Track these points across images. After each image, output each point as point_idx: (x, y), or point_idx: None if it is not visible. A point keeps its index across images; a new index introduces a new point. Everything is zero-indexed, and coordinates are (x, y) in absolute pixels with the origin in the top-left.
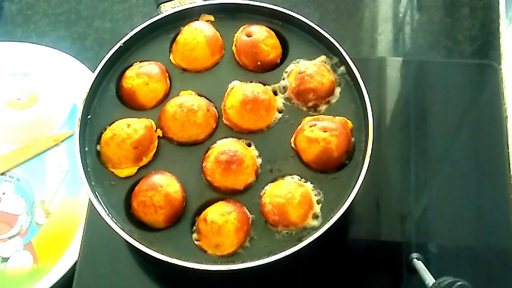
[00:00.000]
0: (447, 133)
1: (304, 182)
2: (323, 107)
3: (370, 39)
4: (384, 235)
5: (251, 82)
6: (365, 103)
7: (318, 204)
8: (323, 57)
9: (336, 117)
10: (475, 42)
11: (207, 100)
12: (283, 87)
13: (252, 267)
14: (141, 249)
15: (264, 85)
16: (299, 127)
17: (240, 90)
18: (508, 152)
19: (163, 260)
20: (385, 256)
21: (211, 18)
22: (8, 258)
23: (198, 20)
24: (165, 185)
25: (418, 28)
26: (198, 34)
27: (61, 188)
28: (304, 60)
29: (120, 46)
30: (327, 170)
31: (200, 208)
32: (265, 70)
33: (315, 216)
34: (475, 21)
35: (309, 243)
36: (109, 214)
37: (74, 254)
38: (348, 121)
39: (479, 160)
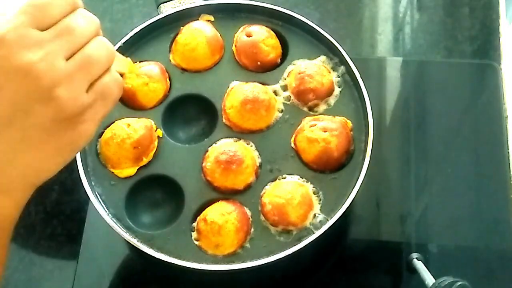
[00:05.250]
0: (447, 133)
1: (304, 182)
2: (323, 107)
3: (370, 39)
4: (384, 235)
5: (252, 82)
6: (365, 103)
7: (318, 204)
8: (323, 57)
9: (336, 117)
10: (475, 42)
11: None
12: (283, 87)
13: (252, 267)
14: (141, 249)
15: (264, 85)
16: (299, 127)
17: (240, 90)
18: (508, 152)
19: (163, 260)
20: (385, 256)
21: (211, 18)
22: None
23: (198, 20)
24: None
25: (418, 28)
26: (198, 34)
27: None
28: (304, 60)
29: (120, 46)
30: (327, 170)
31: (200, 208)
32: (265, 70)
33: (315, 216)
34: (475, 21)
35: (309, 243)
36: (109, 214)
37: None
38: (348, 121)
39: (479, 160)
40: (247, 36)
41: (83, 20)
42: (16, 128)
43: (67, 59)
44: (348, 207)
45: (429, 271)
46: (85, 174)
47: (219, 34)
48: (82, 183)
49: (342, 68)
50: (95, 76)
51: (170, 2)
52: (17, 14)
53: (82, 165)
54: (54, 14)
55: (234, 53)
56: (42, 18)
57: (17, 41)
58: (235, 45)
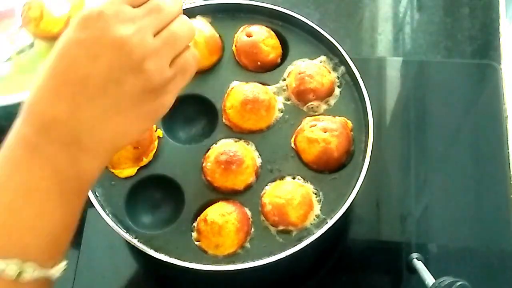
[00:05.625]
0: (447, 133)
1: (304, 182)
2: (323, 107)
3: (370, 39)
4: (384, 235)
5: (252, 82)
6: (365, 103)
7: (318, 204)
8: (323, 57)
9: (336, 117)
10: (475, 42)
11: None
12: (283, 87)
13: (252, 267)
14: (141, 249)
15: (264, 85)
16: (299, 127)
17: (240, 90)
18: (508, 152)
19: (163, 260)
20: (385, 256)
21: (209, 19)
22: None
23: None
24: None
25: (418, 28)
26: (197, 34)
27: None
28: (304, 60)
29: None
30: (327, 170)
31: (200, 208)
32: (265, 70)
33: (315, 217)
34: (475, 21)
35: (309, 243)
36: (109, 214)
37: None
38: (348, 121)
39: (479, 160)
40: (247, 36)
41: (169, 0)
42: (109, 96)
43: (155, 35)
44: (348, 207)
45: (429, 271)
46: None
47: (217, 35)
48: None
49: (342, 68)
50: (177, 51)
51: None
52: None
53: None
54: None
55: (234, 53)
56: None
57: (113, 16)
58: (235, 45)
